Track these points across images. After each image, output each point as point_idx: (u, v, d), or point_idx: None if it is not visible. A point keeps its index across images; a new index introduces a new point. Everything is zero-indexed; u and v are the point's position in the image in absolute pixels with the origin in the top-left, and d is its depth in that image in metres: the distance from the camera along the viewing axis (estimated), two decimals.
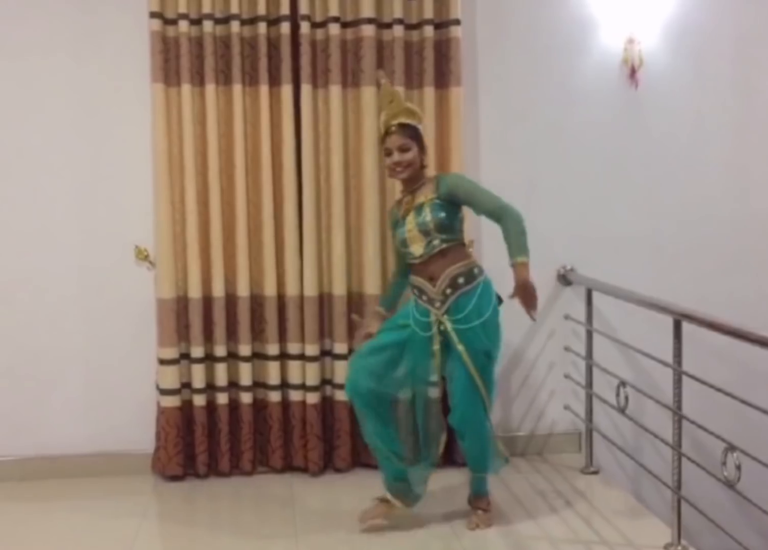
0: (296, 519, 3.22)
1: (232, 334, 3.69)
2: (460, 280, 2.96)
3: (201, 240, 3.61)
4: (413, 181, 3.07)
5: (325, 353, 3.77)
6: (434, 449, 3.20)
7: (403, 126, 3.01)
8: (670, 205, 4.04)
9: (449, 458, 3.80)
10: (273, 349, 3.69)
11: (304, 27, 3.58)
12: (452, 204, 3.00)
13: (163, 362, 3.62)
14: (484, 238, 3.89)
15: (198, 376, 3.65)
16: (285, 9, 3.56)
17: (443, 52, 3.69)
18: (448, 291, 2.96)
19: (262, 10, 3.56)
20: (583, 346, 3.79)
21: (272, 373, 3.70)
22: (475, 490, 3.23)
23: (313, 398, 3.70)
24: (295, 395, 3.72)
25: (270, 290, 3.65)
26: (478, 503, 3.20)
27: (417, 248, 3.00)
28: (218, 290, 3.62)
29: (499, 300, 3.07)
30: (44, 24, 3.60)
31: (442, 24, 3.68)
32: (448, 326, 2.95)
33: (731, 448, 2.61)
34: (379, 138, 3.17)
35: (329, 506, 3.40)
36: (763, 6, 4.04)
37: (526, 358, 3.99)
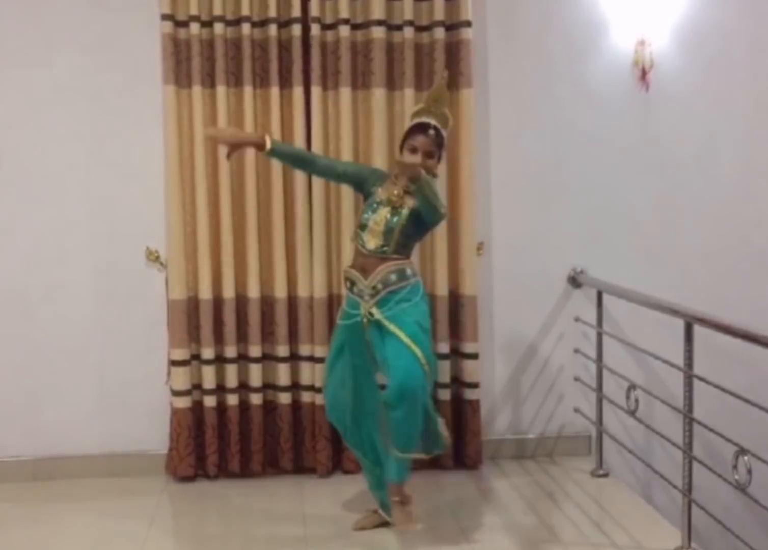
0: (306, 520, 3.23)
1: (242, 335, 3.70)
2: (393, 277, 2.91)
3: (212, 242, 3.62)
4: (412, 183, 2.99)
5: None
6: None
7: (437, 131, 2.92)
8: (682, 207, 4.02)
9: (458, 460, 3.82)
10: (283, 350, 3.69)
11: (315, 29, 3.58)
12: (419, 223, 2.93)
13: (174, 363, 3.64)
14: (493, 241, 3.90)
15: (208, 377, 3.66)
16: (296, 11, 3.57)
17: (454, 53, 3.68)
18: (379, 286, 2.90)
19: (272, 12, 3.57)
20: (594, 348, 3.78)
21: (282, 374, 3.70)
22: (392, 474, 2.91)
23: (322, 400, 3.70)
24: (305, 397, 3.73)
25: (280, 291, 3.66)
26: (394, 492, 2.91)
27: (370, 241, 2.93)
28: (229, 292, 3.63)
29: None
30: (56, 26, 3.62)
31: (452, 26, 3.68)
32: (377, 314, 2.89)
33: (742, 451, 2.60)
34: (408, 127, 2.99)
35: (338, 508, 3.40)
36: None
37: (536, 360, 3.99)
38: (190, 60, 3.56)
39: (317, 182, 3.63)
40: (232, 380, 3.68)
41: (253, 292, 3.65)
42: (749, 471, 2.56)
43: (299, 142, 3.60)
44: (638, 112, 3.95)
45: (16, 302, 3.70)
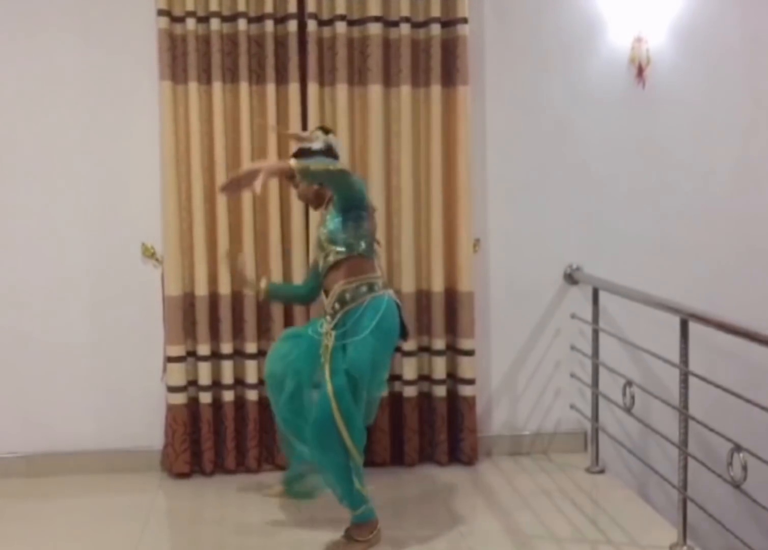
0: (301, 516, 3.23)
1: (238, 331, 3.69)
2: (347, 296, 2.85)
3: (208, 237, 3.62)
4: (319, 204, 3.04)
5: None
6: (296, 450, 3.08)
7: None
8: (678, 204, 4.03)
9: (453, 456, 3.82)
10: None
11: (311, 25, 3.58)
12: (346, 212, 2.86)
13: (169, 359, 3.64)
14: (490, 237, 3.90)
15: (204, 373, 3.66)
16: (292, 7, 3.57)
17: (450, 50, 3.68)
18: (337, 306, 2.87)
19: (269, 8, 3.56)
20: (590, 345, 3.79)
21: None
22: (352, 519, 2.94)
23: None
24: None
25: None
26: (350, 532, 2.94)
27: (320, 260, 2.97)
28: (224, 288, 3.63)
29: (403, 333, 2.95)
30: (51, 22, 3.61)
31: (449, 22, 3.67)
32: (331, 341, 2.86)
33: (737, 448, 2.61)
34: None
35: (333, 503, 3.39)
36: None
37: (532, 357, 3.99)
38: (186, 56, 3.55)
39: None
40: (227, 377, 3.68)
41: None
42: (744, 468, 2.56)
43: None
44: (635, 109, 3.95)
45: (11, 298, 3.69)
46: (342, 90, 3.62)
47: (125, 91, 3.67)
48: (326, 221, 2.93)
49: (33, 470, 3.70)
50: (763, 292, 4.03)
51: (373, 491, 3.00)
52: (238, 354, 3.70)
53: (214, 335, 3.67)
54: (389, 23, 3.65)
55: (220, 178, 3.58)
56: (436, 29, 3.65)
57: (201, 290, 3.62)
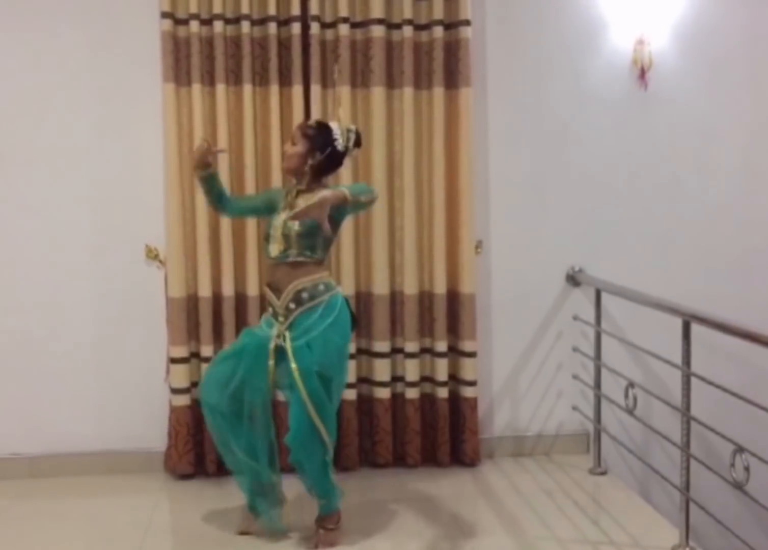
0: (303, 517, 3.23)
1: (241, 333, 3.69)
2: (304, 295, 2.85)
3: (211, 239, 3.62)
4: (298, 177, 2.95)
5: None
6: (264, 460, 3.00)
7: (310, 125, 3.00)
8: (680, 205, 4.03)
9: (456, 457, 3.83)
10: None
11: (314, 27, 3.59)
12: (336, 217, 2.88)
13: (173, 360, 3.64)
14: (492, 239, 3.90)
15: None
16: (295, 9, 3.58)
17: (453, 52, 3.69)
18: (292, 306, 2.85)
19: (272, 10, 3.57)
20: (592, 347, 3.79)
21: None
22: (322, 511, 3.03)
23: None
24: None
25: None
26: (323, 523, 3.02)
27: (274, 249, 2.89)
28: (228, 289, 3.64)
29: (354, 323, 2.99)
30: (55, 24, 3.62)
31: (451, 25, 3.68)
32: (287, 342, 2.84)
33: (740, 449, 2.61)
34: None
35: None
36: None
37: (535, 358, 3.99)
38: (189, 58, 3.56)
39: None
40: None
41: (253, 289, 3.64)
42: (747, 469, 2.57)
43: None
44: (637, 111, 3.96)
45: (14, 300, 3.70)
46: (345, 92, 3.62)
47: (129, 93, 3.68)
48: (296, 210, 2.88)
49: (36, 471, 3.71)
50: (766, 293, 4.04)
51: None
52: None
53: (217, 337, 3.67)
54: (392, 26, 3.66)
55: (223, 178, 3.58)
56: (438, 31, 3.66)
57: (204, 291, 3.62)
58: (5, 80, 3.63)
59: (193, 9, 3.53)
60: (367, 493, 3.29)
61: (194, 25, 3.54)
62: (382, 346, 3.75)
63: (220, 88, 3.57)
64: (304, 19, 3.60)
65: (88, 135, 3.68)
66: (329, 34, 3.64)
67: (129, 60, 3.66)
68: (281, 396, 3.36)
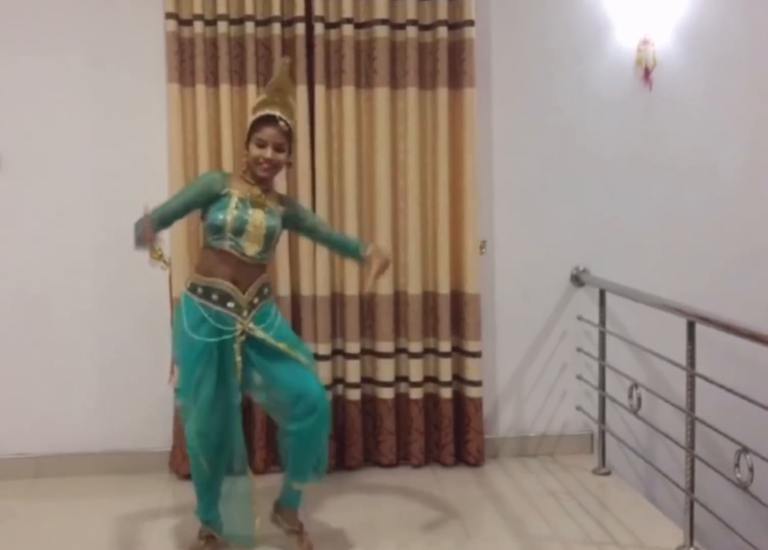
0: (307, 517, 3.23)
1: None
2: (265, 290, 2.88)
3: None
4: (266, 181, 2.85)
5: (337, 352, 3.78)
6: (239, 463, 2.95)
7: (285, 122, 2.75)
8: (684, 206, 4.03)
9: (460, 457, 3.83)
10: None
11: (318, 28, 3.59)
12: (285, 226, 2.90)
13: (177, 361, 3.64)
14: (496, 239, 3.90)
15: None
16: (299, 10, 3.58)
17: (457, 53, 3.69)
18: (256, 300, 2.83)
19: (276, 11, 3.57)
20: (596, 347, 3.79)
21: None
22: (290, 500, 2.92)
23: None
24: None
25: (284, 289, 3.66)
26: (290, 519, 2.94)
27: (251, 248, 2.77)
28: None
29: None
30: (60, 24, 3.63)
31: (456, 25, 3.68)
32: (258, 333, 2.79)
33: (744, 450, 2.61)
34: (252, 120, 2.78)
35: (340, 504, 3.40)
36: None
37: (539, 358, 3.99)
38: (193, 58, 3.57)
39: (320, 180, 3.64)
40: None
41: None
42: (751, 469, 2.57)
43: (302, 140, 3.61)
44: (641, 111, 3.95)
45: (17, 300, 3.71)
46: (349, 92, 3.63)
47: (133, 93, 3.68)
48: (270, 215, 2.82)
49: (41, 471, 3.72)
50: None
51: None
52: None
53: None
54: (396, 26, 3.66)
55: None
56: (442, 32, 3.66)
57: None
58: (10, 81, 3.64)
59: (198, 10, 3.53)
60: (372, 492, 3.29)
61: (198, 26, 3.54)
62: (386, 346, 3.75)
63: (224, 88, 3.57)
64: (308, 19, 3.60)
65: (93, 135, 3.69)
66: (333, 34, 3.64)
67: (133, 61, 3.67)
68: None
